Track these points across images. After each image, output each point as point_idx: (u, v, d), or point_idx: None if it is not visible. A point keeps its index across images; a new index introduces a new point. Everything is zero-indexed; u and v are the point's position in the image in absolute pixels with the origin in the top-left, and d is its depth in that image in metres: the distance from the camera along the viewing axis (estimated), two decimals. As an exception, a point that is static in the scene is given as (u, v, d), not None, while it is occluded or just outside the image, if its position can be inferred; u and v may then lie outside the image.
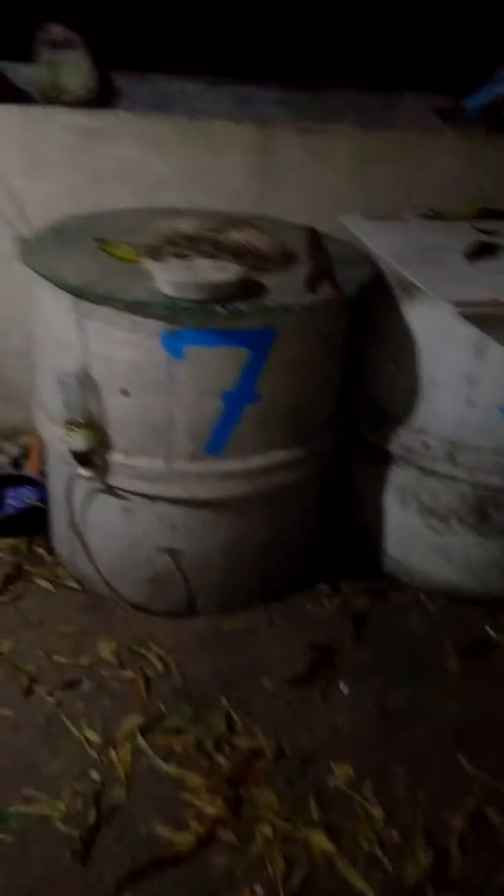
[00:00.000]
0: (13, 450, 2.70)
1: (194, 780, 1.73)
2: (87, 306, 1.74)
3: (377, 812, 1.69)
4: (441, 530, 2.17)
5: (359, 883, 1.56)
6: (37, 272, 1.80)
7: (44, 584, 2.24)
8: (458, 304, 1.72)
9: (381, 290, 2.04)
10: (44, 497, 2.36)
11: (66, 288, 1.73)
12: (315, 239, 2.12)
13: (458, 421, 2.01)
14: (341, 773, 1.78)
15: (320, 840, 1.63)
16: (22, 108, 2.32)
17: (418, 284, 1.84)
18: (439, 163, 2.41)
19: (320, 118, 3.07)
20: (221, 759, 1.78)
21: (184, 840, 1.61)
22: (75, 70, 3.02)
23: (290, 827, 1.65)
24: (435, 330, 1.97)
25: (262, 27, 3.91)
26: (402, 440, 2.13)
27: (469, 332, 1.89)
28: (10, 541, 2.37)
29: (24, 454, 2.67)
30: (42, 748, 1.77)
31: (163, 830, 1.63)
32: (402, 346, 2.05)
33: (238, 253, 1.85)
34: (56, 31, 3.02)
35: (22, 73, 3.04)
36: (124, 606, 2.17)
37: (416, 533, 2.22)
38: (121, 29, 3.77)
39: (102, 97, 3.09)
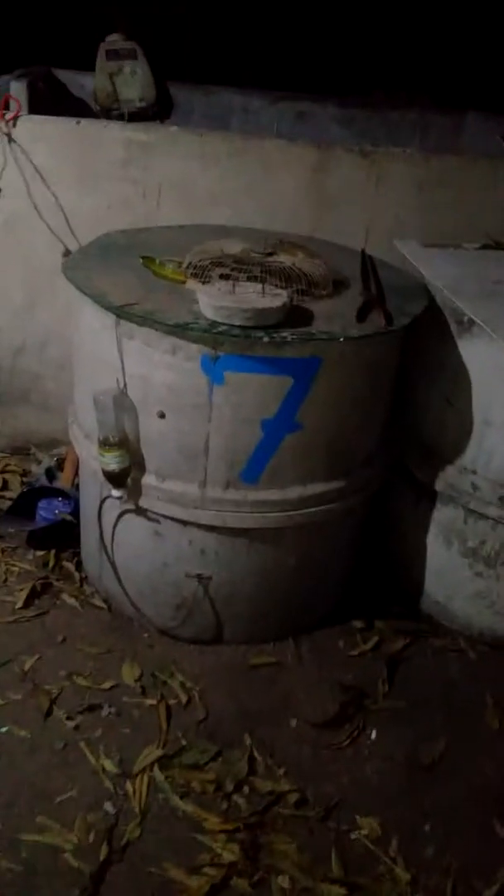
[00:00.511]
0: (49, 460, 2.68)
1: (211, 821, 1.67)
2: (128, 326, 1.70)
3: (403, 873, 1.60)
4: (487, 576, 2.07)
5: None
6: (79, 288, 1.77)
7: (70, 600, 2.21)
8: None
9: (435, 322, 1.96)
10: (76, 510, 2.34)
11: (107, 307, 1.70)
12: (368, 265, 2.05)
13: (511, 463, 1.92)
14: (367, 828, 1.69)
15: (340, 899, 1.55)
16: (74, 122, 2.30)
17: (476, 320, 1.75)
18: (501, 191, 2.31)
19: (381, 137, 3.01)
20: (241, 801, 1.71)
21: (196, 885, 1.55)
22: (134, 81, 3.04)
23: (308, 881, 1.58)
24: (492, 367, 1.88)
25: (324, 41, 3.88)
26: (449, 479, 2.03)
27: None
28: (39, 553, 2.35)
29: (59, 465, 2.65)
30: (57, 774, 1.73)
31: (175, 873, 1.57)
32: (456, 382, 1.96)
33: (286, 277, 1.79)
34: (116, 40, 3.04)
35: (81, 83, 3.06)
36: (150, 630, 2.13)
37: (460, 576, 2.12)
38: (181, 41, 3.78)
39: (160, 109, 3.09)
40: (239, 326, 1.63)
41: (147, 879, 1.55)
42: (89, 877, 1.53)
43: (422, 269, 2.03)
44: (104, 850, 1.58)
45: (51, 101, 2.82)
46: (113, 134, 2.31)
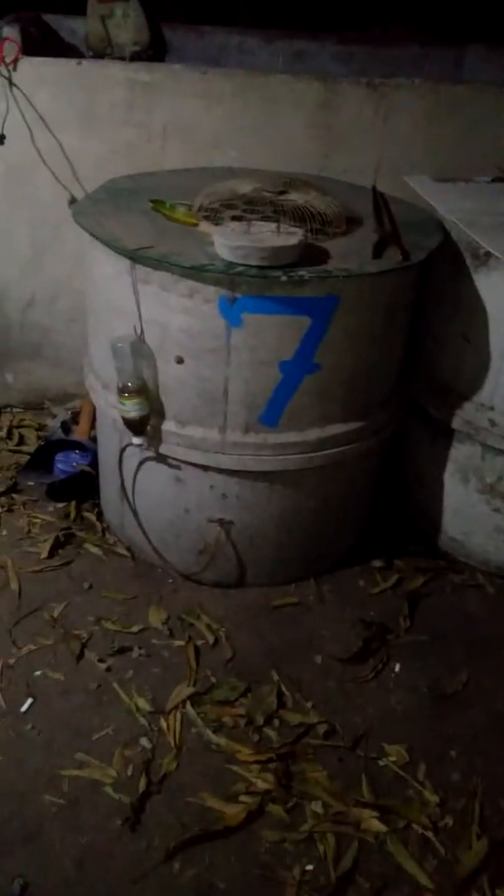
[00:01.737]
0: (63, 414, 2.69)
1: (244, 752, 1.72)
2: (143, 271, 1.69)
3: (431, 796, 1.66)
4: (504, 510, 2.10)
5: (412, 867, 1.53)
6: (92, 234, 1.75)
7: (93, 549, 2.24)
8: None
9: (450, 257, 1.93)
10: (93, 462, 2.35)
11: (122, 251, 1.68)
12: (380, 201, 2.02)
13: (529, 398, 1.92)
14: (394, 755, 1.74)
15: (372, 821, 1.60)
16: (76, 62, 2.24)
17: (493, 252, 1.73)
18: (514, 121, 2.27)
19: (382, 73, 2.92)
20: (272, 734, 1.76)
21: (234, 812, 1.60)
22: (126, 23, 2.93)
23: (341, 806, 1.63)
24: (509, 301, 1.86)
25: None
26: (467, 416, 2.04)
27: (547, 302, 1.78)
28: (59, 505, 2.38)
29: (74, 419, 2.65)
30: (93, 714, 1.78)
31: (213, 801, 1.62)
32: (473, 317, 1.94)
33: (300, 216, 1.77)
34: (107, -19, 2.92)
35: (71, 28, 2.96)
36: (174, 575, 2.16)
37: (477, 512, 2.14)
38: (173, -21, 3.64)
39: (154, 52, 2.99)
40: (256, 266, 1.61)
41: (186, 808, 1.61)
42: (130, 807, 1.59)
43: (434, 204, 2.00)
44: (143, 782, 1.64)
45: (43, 47, 2.73)
46: (115, 74, 2.25)
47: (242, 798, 1.63)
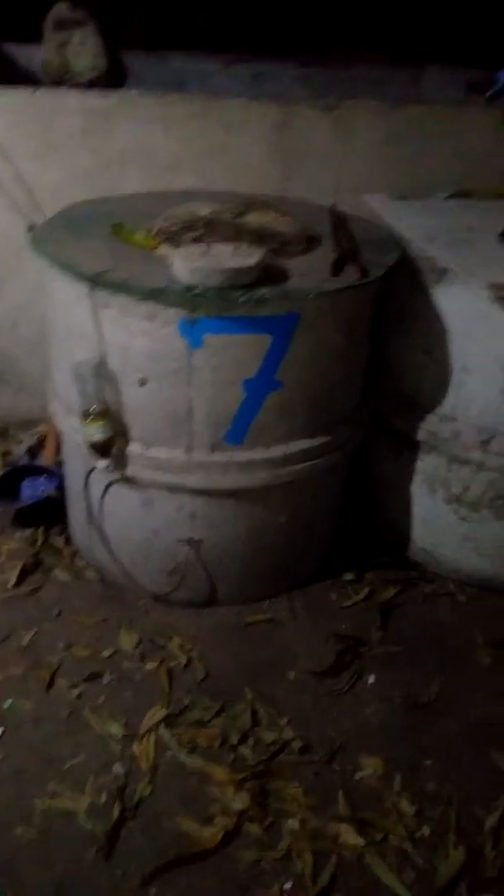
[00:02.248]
0: (29, 439, 2.67)
1: (219, 773, 1.71)
2: (103, 295, 1.70)
3: (408, 807, 1.66)
4: (471, 519, 2.12)
5: (390, 880, 1.53)
6: (50, 261, 1.75)
7: (62, 575, 2.22)
8: (496, 287, 1.65)
9: (408, 273, 1.97)
10: (60, 487, 2.34)
11: (80, 276, 1.69)
12: (339, 220, 2.06)
13: (491, 408, 1.95)
14: (370, 767, 1.74)
15: (349, 835, 1.60)
16: (30, 90, 2.25)
17: (450, 267, 1.77)
18: (468, 139, 2.33)
19: (341, 95, 2.99)
20: (247, 752, 1.76)
21: (210, 834, 1.59)
22: (84, 50, 2.97)
23: (318, 821, 1.63)
24: (467, 315, 1.90)
25: (277, 2, 3.81)
26: (431, 428, 2.07)
27: (504, 316, 1.82)
28: (26, 532, 2.35)
29: (40, 444, 2.64)
30: (64, 742, 1.76)
31: (188, 825, 1.61)
32: (433, 331, 1.98)
33: (259, 236, 1.79)
34: (63, 10, 2.95)
35: (29, 55, 2.99)
36: (145, 597, 2.15)
37: (446, 522, 2.17)
38: (130, 7, 3.69)
39: (113, 78, 3.03)
40: (215, 287, 1.63)
41: (161, 833, 1.59)
42: (105, 835, 1.57)
43: (393, 222, 2.04)
44: (117, 809, 1.62)
45: (1, 76, 2.76)
46: (70, 102, 2.27)
47: (218, 819, 1.62)
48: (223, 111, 2.28)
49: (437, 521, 2.20)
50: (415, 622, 2.14)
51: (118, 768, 1.71)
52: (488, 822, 1.63)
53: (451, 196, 2.27)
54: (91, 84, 2.89)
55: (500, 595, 2.23)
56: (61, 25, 2.95)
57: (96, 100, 2.28)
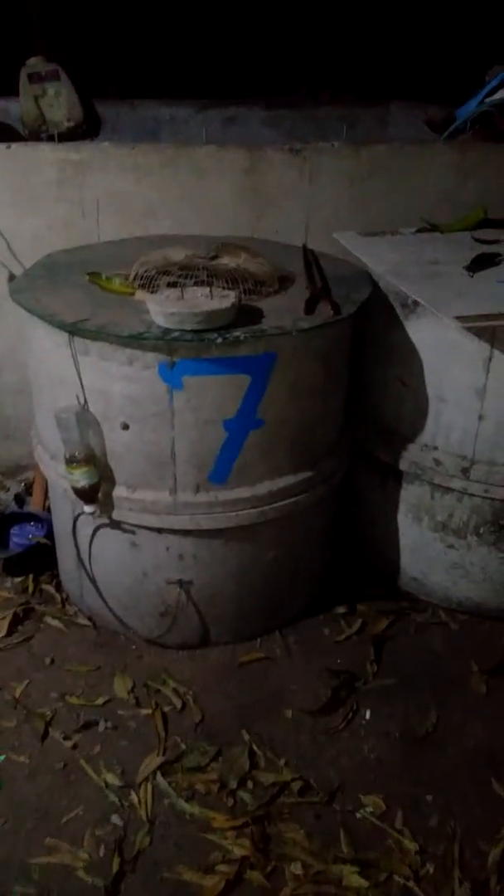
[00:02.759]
0: (16, 486, 2.67)
1: (219, 819, 1.68)
2: (82, 342, 1.72)
3: (410, 844, 1.64)
4: (458, 546, 2.13)
5: (395, 922, 1.50)
6: (29, 311, 1.77)
7: (54, 622, 2.20)
8: (462, 318, 1.68)
9: (381, 307, 2.01)
10: (49, 533, 2.33)
11: (59, 325, 1.71)
12: (310, 259, 2.10)
13: (469, 435, 1.97)
14: (371, 805, 1.72)
15: (353, 877, 1.57)
16: (4, 146, 2.31)
17: (420, 300, 1.80)
18: (432, 175, 2.39)
19: (310, 135, 3.07)
20: (246, 796, 1.73)
21: (211, 884, 1.56)
22: (59, 102, 3.04)
23: (320, 864, 1.60)
24: (440, 345, 1.94)
25: (246, 46, 3.93)
26: (412, 457, 2.09)
27: (476, 345, 1.85)
28: (17, 580, 2.34)
29: (28, 490, 2.64)
30: (61, 795, 1.73)
31: (189, 875, 1.58)
32: (408, 363, 2.01)
33: (232, 278, 1.83)
34: (37, 63, 3.03)
35: (6, 108, 3.06)
36: (137, 642, 2.13)
37: (433, 550, 2.18)
38: (102, 58, 3.79)
39: (88, 128, 3.10)
40: (191, 331, 1.65)
41: (162, 885, 1.56)
42: (104, 890, 1.54)
43: (363, 258, 2.08)
44: (116, 862, 1.59)
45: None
46: (45, 155, 2.32)
47: (219, 867, 1.59)
48: (193, 158, 2.34)
49: (424, 550, 2.20)
50: (408, 653, 2.13)
51: (116, 819, 1.68)
52: (492, 856, 1.61)
53: (419, 230, 2.32)
54: (68, 134, 2.96)
55: (492, 621, 2.22)
56: (36, 79, 3.02)
57: (70, 152, 2.33)
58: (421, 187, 2.39)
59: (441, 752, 1.85)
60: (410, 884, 1.56)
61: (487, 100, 2.57)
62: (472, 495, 2.03)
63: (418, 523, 2.18)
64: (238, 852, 1.61)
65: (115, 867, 1.58)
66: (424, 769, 1.81)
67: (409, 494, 2.16)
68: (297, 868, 1.60)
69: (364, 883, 1.56)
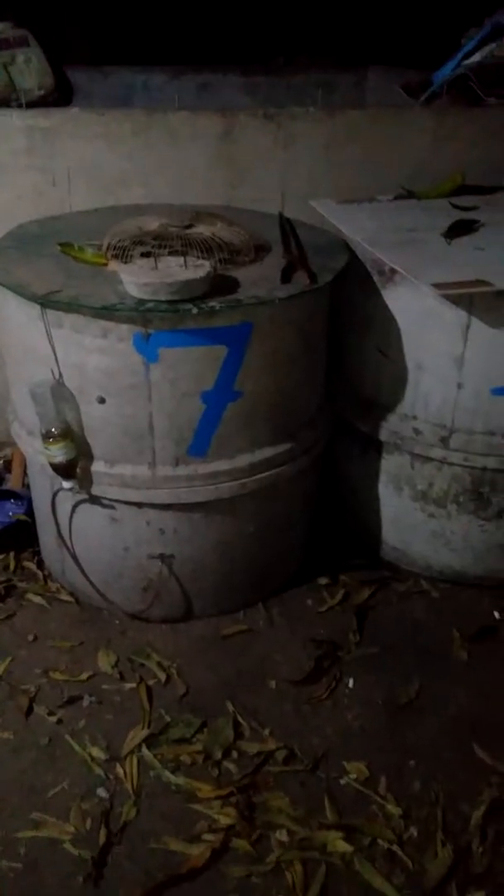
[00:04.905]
0: (-5, 464, 2.64)
1: (204, 789, 1.69)
2: (54, 315, 1.68)
3: (394, 809, 1.66)
4: (439, 516, 2.13)
5: (380, 884, 1.52)
6: (0, 282, 1.73)
7: (36, 599, 2.19)
8: (439, 286, 1.66)
9: (358, 275, 1.98)
10: (29, 510, 2.31)
11: (31, 297, 1.67)
12: (286, 227, 2.07)
13: (448, 404, 1.96)
14: (355, 772, 1.74)
15: (338, 842, 1.59)
16: (-29, 113, 2.24)
17: (396, 268, 1.78)
18: (409, 140, 2.35)
19: (287, 102, 3.01)
20: (231, 766, 1.74)
21: (198, 852, 1.57)
22: (29, 69, 2.94)
23: (305, 831, 1.62)
24: (418, 313, 1.92)
25: (221, 11, 3.83)
26: (392, 427, 2.08)
27: (454, 313, 1.83)
28: (-2, 558, 2.33)
29: (6, 467, 2.61)
30: (46, 769, 1.73)
31: (176, 844, 1.59)
32: (386, 331, 1.99)
33: (207, 248, 1.79)
34: (5, 29, 2.93)
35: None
36: (120, 616, 2.13)
37: (414, 520, 2.18)
38: (73, 23, 3.68)
39: (60, 96, 3.01)
40: (166, 301, 1.62)
41: (149, 855, 1.57)
42: (91, 861, 1.55)
43: (339, 226, 2.05)
44: (103, 834, 1.60)
45: None
46: (12, 122, 2.26)
47: (206, 836, 1.60)
48: (166, 124, 2.28)
49: (405, 520, 2.21)
50: (391, 622, 2.14)
51: (102, 792, 1.69)
52: (474, 818, 1.63)
53: (396, 197, 2.29)
54: (39, 102, 2.88)
55: (473, 589, 2.24)
56: (4, 45, 2.93)
57: (38, 119, 2.27)
58: (398, 153, 2.35)
59: (424, 718, 1.87)
60: (395, 848, 1.58)
61: (464, 63, 2.53)
62: (451, 464, 2.03)
63: (399, 493, 2.18)
64: (224, 821, 1.63)
65: (102, 839, 1.59)
66: (407, 736, 1.83)
67: (390, 464, 2.16)
68: (282, 835, 1.61)
69: (349, 848, 1.58)
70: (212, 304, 1.63)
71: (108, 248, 1.84)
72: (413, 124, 2.36)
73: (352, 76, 3.22)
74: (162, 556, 1.99)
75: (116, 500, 1.90)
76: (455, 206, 2.18)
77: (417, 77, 2.69)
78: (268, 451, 1.92)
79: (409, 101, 2.62)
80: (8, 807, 1.65)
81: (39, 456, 1.89)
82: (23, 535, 2.33)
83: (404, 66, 2.97)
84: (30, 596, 2.20)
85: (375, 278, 1.96)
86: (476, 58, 2.53)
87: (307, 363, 1.94)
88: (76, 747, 1.77)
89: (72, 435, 1.82)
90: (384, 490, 2.21)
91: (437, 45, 2.77)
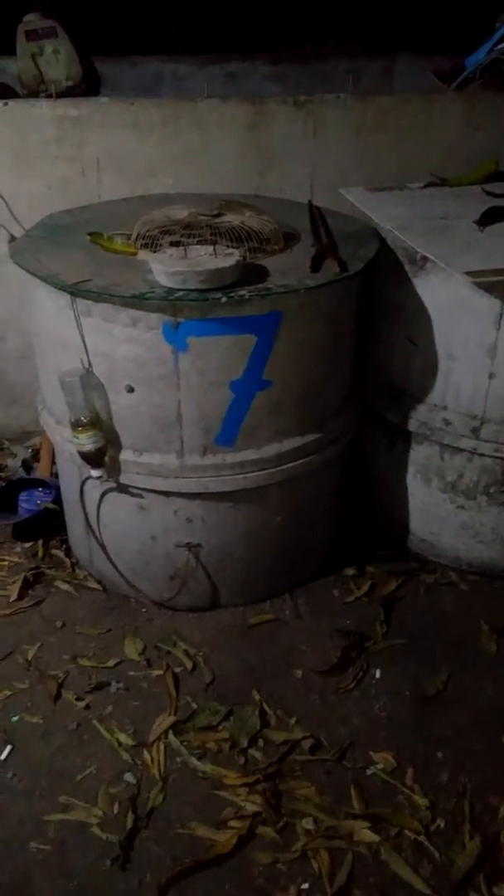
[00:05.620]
0: (23, 452, 2.67)
1: (231, 777, 1.70)
2: (84, 304, 1.69)
3: (421, 800, 1.65)
4: (469, 507, 2.11)
5: (407, 874, 1.52)
6: (30, 272, 1.74)
7: (64, 586, 2.21)
8: (472, 274, 1.64)
9: (389, 264, 1.97)
10: (57, 498, 2.33)
11: (61, 286, 1.68)
12: (316, 215, 2.05)
13: (479, 394, 1.94)
14: (381, 762, 1.74)
15: (364, 832, 1.59)
16: (2, 102, 2.25)
17: (429, 256, 1.76)
18: (441, 126, 2.31)
19: (315, 89, 2.98)
20: (257, 754, 1.75)
21: (224, 839, 1.58)
22: (57, 60, 2.95)
23: (332, 820, 1.62)
24: (450, 302, 1.89)
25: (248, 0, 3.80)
26: (421, 418, 2.06)
27: (486, 302, 1.81)
28: (26, 545, 2.35)
29: (35, 456, 2.63)
30: (74, 754, 1.76)
31: (202, 830, 1.60)
32: (416, 321, 1.97)
33: (237, 237, 1.79)
34: (34, 20, 2.94)
35: (3, 68, 2.98)
36: (147, 604, 2.14)
37: (443, 511, 2.16)
38: (101, 14, 3.68)
39: (88, 86, 3.02)
40: (195, 290, 1.62)
41: (175, 840, 1.58)
42: (119, 845, 1.56)
43: (370, 214, 2.03)
44: (130, 818, 1.61)
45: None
46: (42, 112, 2.27)
47: (232, 823, 1.61)
48: (195, 113, 2.27)
49: (434, 511, 2.19)
50: (418, 614, 2.13)
51: (129, 777, 1.71)
52: (502, 810, 1.63)
53: (427, 185, 2.26)
54: (67, 92, 2.89)
55: (502, 581, 2.22)
56: (33, 36, 2.94)
57: (68, 109, 2.27)
58: (429, 140, 2.32)
59: (451, 710, 1.86)
60: (421, 838, 1.58)
61: (498, 47, 2.48)
62: (482, 455, 2.00)
63: (427, 484, 2.16)
64: (250, 808, 1.63)
65: (129, 823, 1.60)
66: (435, 727, 1.82)
67: (419, 455, 2.14)
68: (308, 823, 1.62)
69: (375, 838, 1.58)
70: (241, 292, 1.63)
71: (137, 238, 1.84)
72: (444, 110, 2.33)
73: (381, 63, 3.18)
74: (189, 545, 2.00)
75: (144, 489, 1.91)
76: (488, 193, 2.15)
77: (449, 63, 2.64)
78: (296, 441, 1.91)
79: (440, 86, 2.58)
80: (37, 790, 1.68)
81: (68, 444, 1.90)
82: (51, 524, 2.35)
83: (434, 52, 2.93)
84: (58, 583, 2.22)
85: (406, 267, 1.94)
86: (510, 42, 2.48)
87: (336, 353, 1.93)
88: (104, 732, 1.79)
89: (100, 424, 1.83)
90: (412, 481, 2.20)
91: (469, 30, 2.72)
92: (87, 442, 1.82)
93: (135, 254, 1.82)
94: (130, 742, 1.77)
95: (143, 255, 1.79)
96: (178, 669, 1.96)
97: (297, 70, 3.18)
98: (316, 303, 1.76)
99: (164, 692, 1.89)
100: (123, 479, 1.90)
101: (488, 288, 1.77)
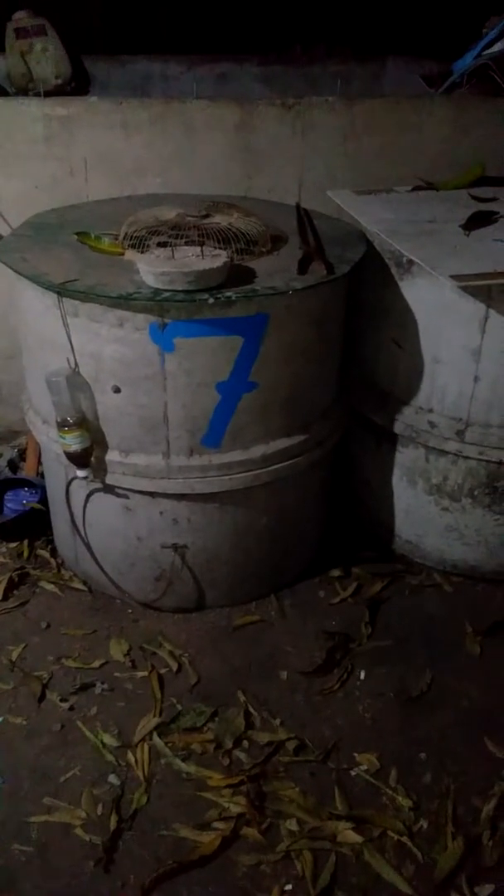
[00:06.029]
0: (9, 452, 2.66)
1: (215, 778, 1.70)
2: (71, 303, 1.69)
3: (404, 801, 1.66)
4: (453, 509, 2.12)
5: (390, 875, 1.53)
6: (17, 271, 1.74)
7: (49, 587, 2.21)
8: (458, 278, 1.65)
9: (375, 267, 1.97)
10: (43, 498, 2.33)
11: (48, 286, 1.68)
12: (303, 218, 2.06)
13: (464, 397, 1.95)
14: (365, 763, 1.74)
15: (348, 833, 1.60)
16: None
17: (416, 260, 1.77)
18: (428, 131, 2.33)
19: (305, 92, 2.99)
20: (241, 756, 1.75)
21: (208, 840, 1.58)
22: (46, 58, 2.94)
23: (315, 821, 1.62)
24: (435, 306, 1.90)
25: (238, 1, 3.81)
26: (407, 420, 2.07)
27: (472, 305, 1.82)
28: (11, 545, 2.34)
29: (21, 456, 2.62)
30: (58, 755, 1.75)
31: (186, 832, 1.60)
32: (402, 324, 1.98)
33: (224, 238, 1.79)
34: (23, 17, 2.93)
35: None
36: (133, 605, 2.14)
37: (428, 513, 2.18)
38: (91, 12, 3.67)
39: (77, 84, 3.01)
40: (182, 291, 1.62)
41: (159, 842, 1.58)
42: (102, 847, 1.56)
43: (357, 217, 2.04)
44: (113, 820, 1.61)
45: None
46: (30, 110, 2.26)
47: (216, 824, 1.61)
48: (184, 114, 2.27)
49: (419, 513, 2.20)
50: (403, 615, 2.14)
51: (113, 779, 1.70)
52: (485, 811, 1.64)
53: (415, 188, 2.27)
54: (56, 91, 2.87)
55: (486, 583, 2.23)
56: (22, 34, 2.92)
57: (56, 108, 2.27)
58: (417, 144, 2.33)
59: (435, 711, 1.87)
60: (404, 839, 1.59)
61: (485, 53, 2.50)
62: (466, 458, 2.02)
63: (413, 486, 2.17)
64: (234, 809, 1.63)
65: (113, 825, 1.60)
66: (419, 728, 1.83)
67: (404, 457, 2.15)
68: (292, 824, 1.62)
69: (358, 839, 1.59)
70: (228, 294, 1.63)
71: (124, 238, 1.84)
72: (432, 114, 2.34)
73: (370, 66, 3.19)
74: (175, 546, 2.00)
75: (130, 490, 1.91)
76: (474, 198, 2.17)
77: (437, 67, 2.66)
78: (282, 443, 1.92)
79: (428, 91, 2.59)
80: (20, 791, 1.67)
81: (54, 444, 1.90)
82: (37, 524, 2.34)
83: (423, 56, 2.94)
84: (43, 584, 2.21)
85: (393, 270, 1.95)
86: (498, 47, 2.50)
87: (323, 355, 1.94)
88: (88, 734, 1.79)
89: (87, 424, 1.82)
90: (398, 483, 2.21)
91: (457, 36, 2.73)
92: (74, 442, 1.81)
93: (122, 254, 1.81)
94: (115, 743, 1.77)
95: (131, 255, 1.78)
96: (163, 670, 1.95)
97: (286, 72, 3.19)
98: (303, 305, 1.77)
99: (149, 693, 1.89)
100: (109, 479, 1.90)
101: (473, 292, 1.78)
